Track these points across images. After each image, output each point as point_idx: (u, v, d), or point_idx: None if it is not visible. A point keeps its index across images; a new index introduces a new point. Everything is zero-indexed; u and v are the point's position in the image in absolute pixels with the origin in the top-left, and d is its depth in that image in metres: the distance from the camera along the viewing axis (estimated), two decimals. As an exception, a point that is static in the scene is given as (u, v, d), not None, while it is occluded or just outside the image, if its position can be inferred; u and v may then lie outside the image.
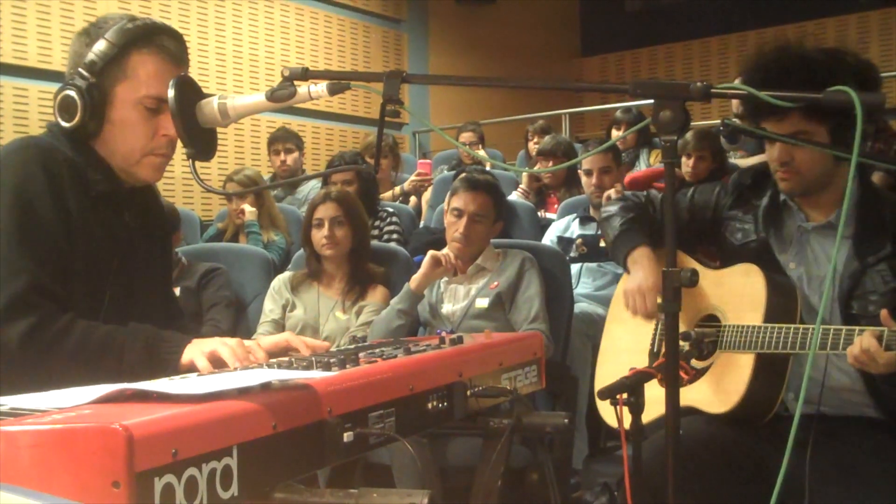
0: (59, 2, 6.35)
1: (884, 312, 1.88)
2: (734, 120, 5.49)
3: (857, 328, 1.92)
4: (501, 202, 3.45)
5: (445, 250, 3.18)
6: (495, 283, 3.16)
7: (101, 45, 1.76)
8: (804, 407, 2.08)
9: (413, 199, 5.95)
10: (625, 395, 1.72)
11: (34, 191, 1.68)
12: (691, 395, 2.16)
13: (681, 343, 1.92)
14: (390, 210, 4.72)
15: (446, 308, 3.22)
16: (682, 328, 1.83)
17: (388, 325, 3.09)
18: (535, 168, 5.45)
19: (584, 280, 4.12)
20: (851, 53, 2.09)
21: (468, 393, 1.61)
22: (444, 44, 10.02)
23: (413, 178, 6.00)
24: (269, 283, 3.52)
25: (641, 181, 4.80)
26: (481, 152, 6.58)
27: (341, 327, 3.30)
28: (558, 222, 4.47)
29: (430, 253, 3.13)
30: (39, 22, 6.27)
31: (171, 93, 1.64)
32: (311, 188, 5.63)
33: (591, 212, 4.34)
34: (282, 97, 1.61)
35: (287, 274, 3.53)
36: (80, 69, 1.76)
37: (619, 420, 1.70)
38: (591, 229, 4.26)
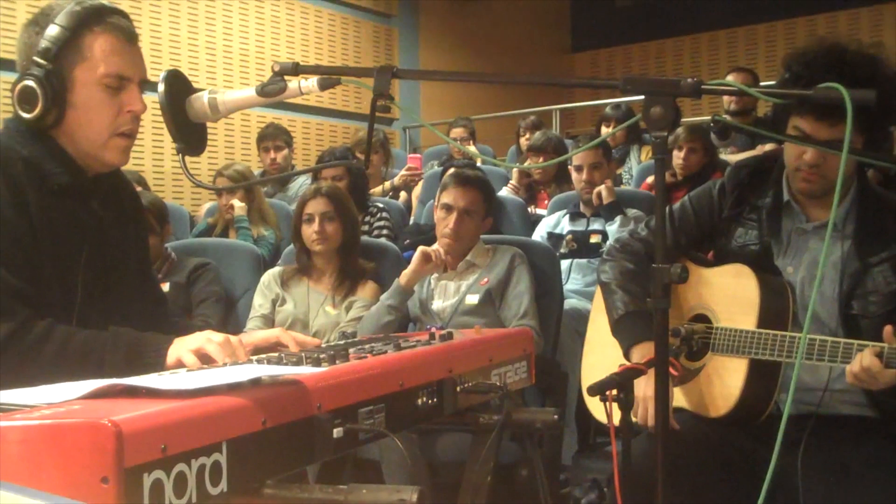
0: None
1: (888, 329, 1.85)
2: (725, 116, 5.51)
3: (856, 342, 1.89)
4: (491, 198, 3.45)
5: (435, 246, 3.18)
6: (485, 280, 3.15)
7: (53, 31, 1.74)
8: (800, 406, 2.08)
9: (403, 194, 5.95)
10: (614, 392, 1.72)
11: None
12: (684, 399, 2.15)
13: (670, 340, 1.91)
14: (380, 205, 4.71)
15: (436, 304, 3.21)
16: (670, 324, 1.82)
17: (378, 320, 3.08)
18: (526, 164, 5.45)
19: (573, 276, 4.12)
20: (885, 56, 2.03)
21: (458, 389, 1.61)
22: (434, 39, 10.00)
23: (403, 172, 5.99)
24: (259, 279, 3.51)
25: None
26: (472, 148, 6.57)
27: (331, 322, 3.29)
28: (548, 218, 4.47)
29: (420, 249, 3.12)
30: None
31: (160, 87, 1.64)
32: (301, 185, 5.62)
33: (582, 208, 4.35)
34: (272, 92, 1.61)
35: (277, 269, 3.53)
36: (34, 58, 1.74)
37: (609, 416, 1.71)
38: (580, 225, 4.27)
